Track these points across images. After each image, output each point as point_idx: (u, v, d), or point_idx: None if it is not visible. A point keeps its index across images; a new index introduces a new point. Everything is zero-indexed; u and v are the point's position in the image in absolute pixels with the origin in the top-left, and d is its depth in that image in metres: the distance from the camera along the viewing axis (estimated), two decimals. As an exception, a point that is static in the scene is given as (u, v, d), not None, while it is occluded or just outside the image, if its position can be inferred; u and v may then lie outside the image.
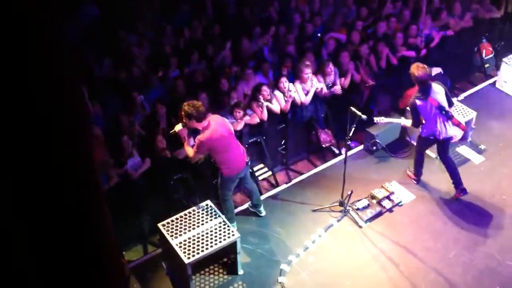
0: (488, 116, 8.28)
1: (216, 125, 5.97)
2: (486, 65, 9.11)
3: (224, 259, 6.36)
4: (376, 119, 7.11)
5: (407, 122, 6.97)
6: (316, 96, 7.72)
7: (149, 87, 7.49)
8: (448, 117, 6.56)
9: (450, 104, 6.66)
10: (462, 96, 8.75)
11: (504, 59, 8.70)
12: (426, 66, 6.44)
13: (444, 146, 6.80)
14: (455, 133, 6.71)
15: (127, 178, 6.49)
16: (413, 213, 6.88)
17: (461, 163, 7.56)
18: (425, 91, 6.46)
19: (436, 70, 8.59)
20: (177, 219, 6.16)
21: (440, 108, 6.49)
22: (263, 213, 6.90)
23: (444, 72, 8.71)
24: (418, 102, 6.49)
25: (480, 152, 7.75)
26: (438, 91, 6.51)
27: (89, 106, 6.58)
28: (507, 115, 8.36)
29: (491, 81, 9.04)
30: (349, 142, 6.74)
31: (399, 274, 6.20)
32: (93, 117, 6.74)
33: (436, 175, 7.40)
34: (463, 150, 7.78)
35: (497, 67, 8.94)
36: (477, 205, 6.97)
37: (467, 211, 6.90)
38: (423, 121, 6.67)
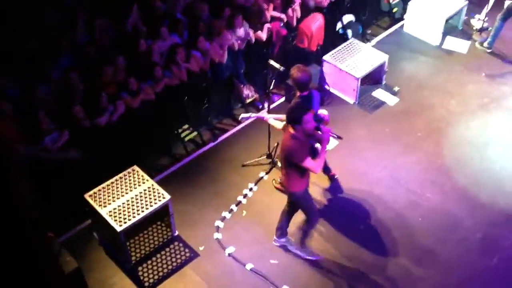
0: (399, 59, 8.60)
1: None
2: (394, 10, 9.39)
3: (158, 222, 6.33)
4: (242, 115, 6.52)
5: (279, 125, 5.91)
6: (234, 51, 7.68)
7: (58, 55, 7.13)
8: (318, 121, 6.06)
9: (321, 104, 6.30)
10: (373, 41, 9.01)
11: (409, 3, 9.01)
12: (307, 69, 5.97)
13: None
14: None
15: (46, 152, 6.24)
16: (337, 158, 7.10)
17: (378, 106, 7.86)
18: (308, 101, 5.93)
19: (348, 18, 8.79)
20: (104, 188, 6.01)
21: (315, 116, 5.99)
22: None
23: (356, 19, 8.94)
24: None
25: (394, 93, 8.06)
26: (318, 99, 6.14)
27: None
28: (416, 57, 8.72)
29: (399, 24, 9.34)
30: (271, 95, 6.78)
31: (331, 219, 6.43)
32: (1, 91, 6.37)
33: (355, 121, 7.66)
34: (379, 94, 8.07)
35: (404, 11, 9.24)
36: (395, 144, 7.31)
37: (386, 152, 7.22)
38: None
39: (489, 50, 8.65)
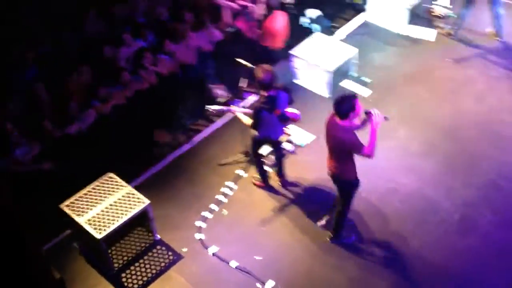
0: (367, 50, 8.66)
1: None
2: (356, 1, 9.48)
3: (139, 227, 6.27)
4: (210, 107, 6.58)
5: (245, 119, 6.16)
6: (203, 52, 7.68)
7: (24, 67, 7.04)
8: (285, 120, 6.24)
9: (290, 102, 6.31)
10: (341, 34, 9.08)
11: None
12: (271, 69, 5.95)
13: (278, 144, 6.56)
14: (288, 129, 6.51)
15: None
16: (315, 152, 7.13)
17: (351, 98, 7.94)
18: (272, 101, 5.94)
19: (314, 12, 8.87)
20: (80, 197, 5.94)
21: (282, 116, 6.13)
22: None
23: (323, 14, 9.01)
24: (263, 114, 5.95)
25: (366, 85, 8.15)
26: (284, 99, 6.10)
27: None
28: (383, 47, 8.81)
29: (365, 16, 9.43)
30: (242, 93, 6.81)
31: (315, 213, 6.46)
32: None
33: (322, 115, 7.65)
34: (351, 86, 8.12)
35: (365, 1, 9.32)
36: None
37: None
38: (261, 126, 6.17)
39: (454, 36, 8.81)
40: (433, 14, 9.22)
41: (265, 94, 5.92)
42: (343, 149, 5.43)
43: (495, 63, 8.36)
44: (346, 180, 5.66)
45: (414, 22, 9.04)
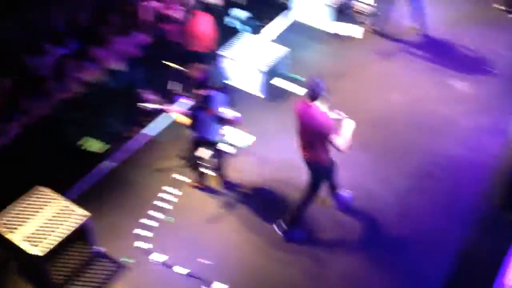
0: (297, 49, 8.79)
1: None
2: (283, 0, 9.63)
3: (78, 241, 6.06)
4: (143, 104, 6.52)
5: (180, 118, 6.22)
6: (130, 58, 7.57)
7: None
8: (221, 121, 6.26)
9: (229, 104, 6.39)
10: (271, 34, 9.20)
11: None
12: (204, 68, 6.07)
13: (217, 146, 6.52)
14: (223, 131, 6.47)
15: None
16: (255, 153, 7.22)
17: (286, 97, 8.04)
18: (207, 101, 6.00)
19: (242, 13, 8.93)
20: (8, 213, 5.68)
21: (218, 117, 6.16)
22: None
23: (250, 14, 9.08)
24: (198, 112, 6.03)
25: (299, 83, 8.26)
26: (220, 100, 6.14)
27: None
28: (312, 44, 9.00)
29: (290, 15, 9.59)
30: (174, 96, 6.75)
31: (257, 212, 6.53)
32: None
33: (267, 114, 7.81)
34: (285, 85, 8.24)
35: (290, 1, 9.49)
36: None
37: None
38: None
39: (379, 32, 9.14)
40: (358, 11, 9.51)
41: (200, 93, 5.94)
42: (320, 133, 5.59)
43: (419, 56, 8.75)
44: (321, 166, 5.81)
45: (340, 20, 9.28)
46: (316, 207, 6.50)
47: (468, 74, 8.36)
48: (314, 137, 5.68)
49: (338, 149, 5.65)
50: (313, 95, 5.62)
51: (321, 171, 5.93)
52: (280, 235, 6.23)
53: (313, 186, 6.03)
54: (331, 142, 5.61)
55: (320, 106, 5.65)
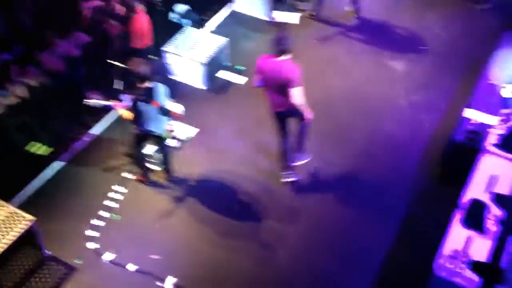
0: (238, 39, 8.90)
1: None
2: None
3: (26, 246, 6.00)
4: (88, 101, 6.48)
5: (126, 113, 6.21)
6: (71, 58, 7.47)
7: None
8: (165, 114, 6.21)
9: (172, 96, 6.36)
10: (210, 26, 9.23)
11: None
12: (146, 62, 6.09)
13: (162, 140, 6.54)
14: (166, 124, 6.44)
15: None
16: (200, 144, 7.30)
17: (228, 88, 8.14)
18: (149, 93, 5.98)
19: (182, 7, 8.90)
20: None
21: (160, 108, 6.10)
22: None
23: (192, 8, 9.07)
24: (140, 104, 6.01)
25: (240, 73, 8.37)
26: (162, 92, 6.10)
27: None
28: (253, 34, 9.10)
29: (232, 6, 9.65)
30: (118, 94, 6.70)
31: (204, 203, 6.61)
32: None
33: (209, 106, 7.87)
34: (226, 76, 8.33)
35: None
36: (250, 119, 7.63)
37: (245, 128, 7.54)
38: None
39: (316, 17, 9.30)
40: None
41: (143, 86, 5.98)
42: (290, 83, 5.92)
43: (356, 39, 8.97)
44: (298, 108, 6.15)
45: (278, 8, 9.39)
46: (259, 192, 6.65)
47: (404, 54, 8.66)
48: (285, 88, 6.00)
49: (297, 99, 6.00)
50: (281, 49, 5.96)
51: (300, 111, 6.22)
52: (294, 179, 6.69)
53: (303, 120, 6.35)
54: (294, 91, 5.95)
55: (288, 59, 6.01)
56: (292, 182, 6.75)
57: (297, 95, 5.99)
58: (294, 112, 6.23)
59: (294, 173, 6.75)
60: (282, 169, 6.78)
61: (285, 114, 6.33)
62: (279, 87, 6.07)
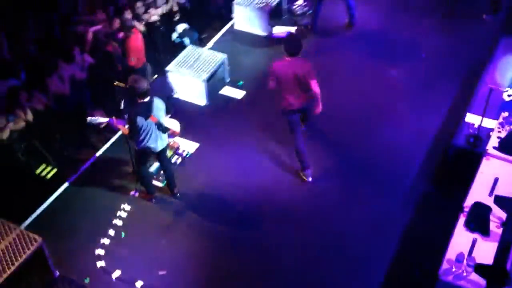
0: (237, 55, 9.03)
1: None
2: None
3: (35, 267, 6.07)
4: (89, 119, 6.54)
5: (126, 130, 6.35)
6: (76, 80, 7.62)
7: None
8: (164, 130, 6.34)
9: (169, 112, 6.62)
10: (210, 43, 9.37)
11: (234, 2, 9.51)
12: (143, 78, 6.21)
13: (163, 156, 6.70)
14: (167, 140, 6.58)
15: None
16: (201, 159, 7.37)
17: (228, 103, 8.24)
18: (147, 108, 6.09)
19: (182, 26, 9.07)
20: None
21: (158, 124, 6.23)
22: None
23: (190, 27, 9.23)
24: (139, 119, 6.06)
25: (239, 88, 8.47)
26: (160, 107, 6.23)
27: None
28: (251, 50, 9.23)
29: (230, 24, 9.79)
30: (124, 115, 6.81)
31: (207, 217, 6.70)
32: None
33: (210, 121, 7.97)
34: (226, 91, 8.42)
35: (231, 11, 9.70)
36: (252, 133, 7.72)
37: (246, 142, 7.62)
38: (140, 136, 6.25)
39: (313, 30, 9.41)
40: (291, 12, 9.77)
41: (141, 101, 6.07)
42: (308, 74, 6.42)
43: (354, 48, 9.06)
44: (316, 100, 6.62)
45: (275, 23, 9.51)
46: (262, 204, 6.72)
47: (402, 61, 8.74)
48: (302, 83, 6.45)
49: (317, 89, 6.47)
50: (293, 50, 6.43)
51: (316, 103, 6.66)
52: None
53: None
54: (314, 82, 6.44)
55: (299, 58, 6.47)
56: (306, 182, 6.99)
57: (316, 85, 6.43)
58: (311, 105, 6.68)
59: (311, 172, 6.98)
60: (302, 169, 7.01)
61: (303, 109, 6.76)
62: (298, 83, 6.47)
